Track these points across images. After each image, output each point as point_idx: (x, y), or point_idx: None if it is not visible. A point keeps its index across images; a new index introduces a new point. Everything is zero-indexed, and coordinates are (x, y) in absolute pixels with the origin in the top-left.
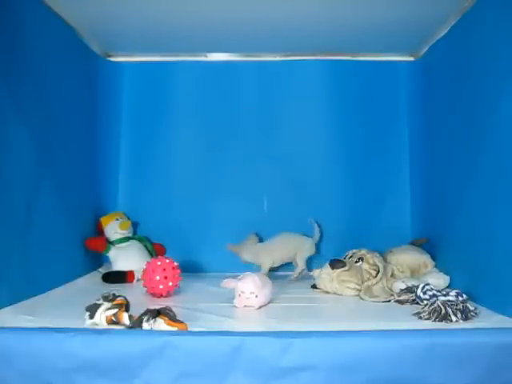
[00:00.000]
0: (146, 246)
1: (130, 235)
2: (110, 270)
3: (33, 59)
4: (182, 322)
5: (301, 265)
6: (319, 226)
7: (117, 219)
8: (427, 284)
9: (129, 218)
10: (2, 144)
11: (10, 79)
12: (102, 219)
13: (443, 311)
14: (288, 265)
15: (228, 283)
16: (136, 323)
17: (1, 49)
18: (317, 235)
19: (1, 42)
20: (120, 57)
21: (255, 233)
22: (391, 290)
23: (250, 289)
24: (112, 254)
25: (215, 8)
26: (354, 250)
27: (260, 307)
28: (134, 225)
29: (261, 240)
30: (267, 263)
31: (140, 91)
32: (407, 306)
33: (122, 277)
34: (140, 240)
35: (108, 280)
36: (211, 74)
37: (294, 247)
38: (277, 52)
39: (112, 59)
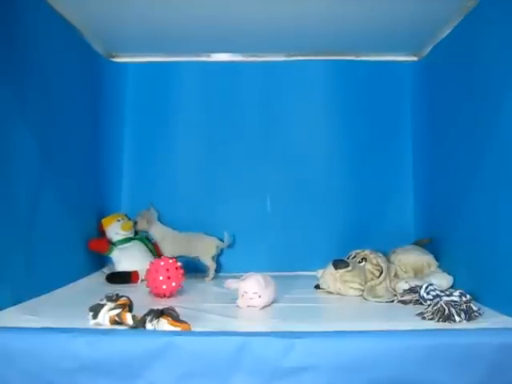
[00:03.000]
0: (147, 246)
1: (132, 236)
2: (114, 271)
3: (36, 59)
4: (185, 322)
5: (210, 265)
6: (231, 238)
7: (118, 220)
8: (431, 284)
9: (129, 219)
10: (5, 144)
11: (13, 79)
12: (104, 220)
13: (447, 311)
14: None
15: (231, 283)
16: (139, 323)
17: (4, 49)
18: (225, 244)
19: (4, 42)
20: (123, 57)
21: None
22: (394, 291)
23: (253, 289)
24: (115, 254)
25: (218, 8)
26: (358, 250)
27: (263, 307)
28: None
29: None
30: (169, 251)
31: (143, 92)
32: (410, 306)
33: (126, 277)
34: (141, 240)
35: (112, 281)
36: (214, 74)
37: (197, 246)
38: (280, 52)
39: (115, 60)
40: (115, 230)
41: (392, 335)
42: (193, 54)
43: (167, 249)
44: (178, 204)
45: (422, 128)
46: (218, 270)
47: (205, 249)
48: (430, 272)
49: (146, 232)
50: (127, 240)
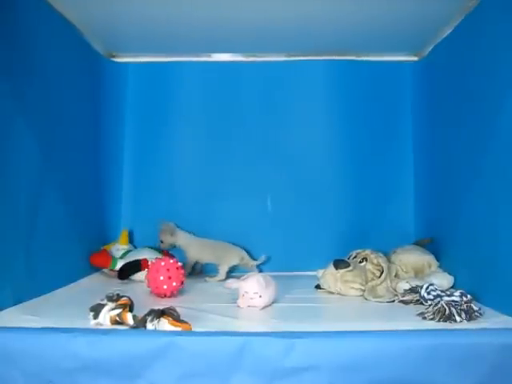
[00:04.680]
0: (152, 248)
1: (132, 249)
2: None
3: (36, 59)
4: (185, 322)
5: (221, 273)
6: (265, 260)
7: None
8: (431, 284)
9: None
10: (5, 144)
11: (13, 79)
12: (105, 247)
13: (447, 311)
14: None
15: (231, 283)
16: (140, 323)
17: (4, 48)
18: (255, 262)
19: (4, 42)
20: (124, 57)
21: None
22: (395, 291)
23: (253, 289)
24: (119, 264)
25: (219, 8)
26: (358, 250)
27: (264, 307)
28: (138, 231)
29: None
30: (194, 257)
31: (143, 92)
32: (411, 306)
33: (136, 266)
34: (148, 247)
35: (124, 274)
36: (215, 74)
37: (220, 255)
38: (280, 52)
39: (116, 59)
40: (116, 247)
41: (393, 335)
42: (193, 54)
43: (192, 255)
44: (177, 203)
45: (422, 128)
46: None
47: (227, 258)
48: (430, 272)
49: (174, 247)
50: (130, 251)
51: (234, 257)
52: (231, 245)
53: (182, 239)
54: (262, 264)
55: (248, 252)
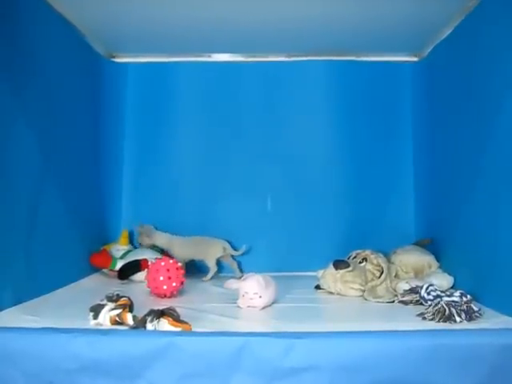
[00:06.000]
0: (153, 249)
1: (132, 249)
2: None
3: (36, 59)
4: (185, 323)
5: (212, 267)
6: (247, 248)
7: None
8: (431, 285)
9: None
10: (6, 144)
11: (14, 80)
12: (105, 247)
13: (447, 312)
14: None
15: (232, 284)
16: (140, 323)
17: (4, 48)
18: (238, 252)
19: (4, 42)
20: (124, 57)
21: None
22: (395, 291)
23: (253, 289)
24: (119, 265)
25: (219, 9)
26: (358, 251)
27: (264, 308)
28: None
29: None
30: (178, 256)
31: (144, 92)
32: (411, 306)
33: (136, 266)
34: (149, 247)
35: (124, 274)
36: (215, 74)
37: (203, 249)
38: (281, 52)
39: (116, 60)
40: (116, 247)
41: (393, 336)
42: (193, 55)
43: (176, 254)
44: (178, 203)
45: (422, 128)
46: (219, 270)
47: (210, 251)
48: (430, 272)
49: (155, 247)
50: (130, 251)
51: (218, 249)
52: (211, 238)
53: (161, 239)
54: (243, 255)
55: (231, 243)
